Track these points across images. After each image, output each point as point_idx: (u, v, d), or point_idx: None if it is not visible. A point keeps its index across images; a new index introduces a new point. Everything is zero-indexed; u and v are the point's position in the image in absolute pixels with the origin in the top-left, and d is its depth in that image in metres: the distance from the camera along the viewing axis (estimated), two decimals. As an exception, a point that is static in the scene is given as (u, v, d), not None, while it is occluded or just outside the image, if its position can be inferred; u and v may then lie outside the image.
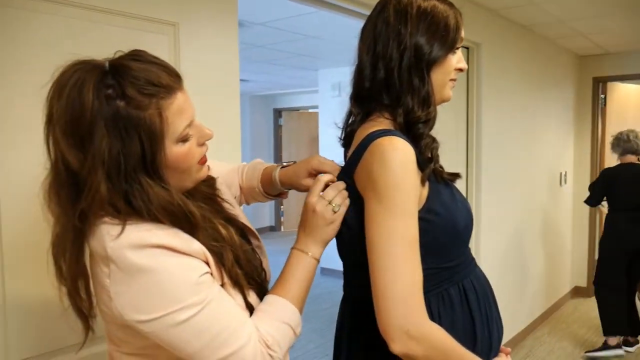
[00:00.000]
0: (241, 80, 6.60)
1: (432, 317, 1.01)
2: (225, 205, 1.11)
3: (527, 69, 4.13)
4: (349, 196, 1.05)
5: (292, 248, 1.06)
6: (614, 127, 5.10)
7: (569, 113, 5.08)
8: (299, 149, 8.55)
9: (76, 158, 0.83)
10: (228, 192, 1.18)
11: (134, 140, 0.82)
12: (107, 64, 0.85)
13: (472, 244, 3.73)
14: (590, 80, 5.19)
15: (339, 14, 2.50)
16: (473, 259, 1.16)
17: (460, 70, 1.11)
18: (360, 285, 1.04)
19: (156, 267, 0.83)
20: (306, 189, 1.14)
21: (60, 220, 0.88)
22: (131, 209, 0.85)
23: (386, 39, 1.04)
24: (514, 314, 4.02)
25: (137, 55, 0.87)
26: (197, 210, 0.91)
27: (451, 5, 1.09)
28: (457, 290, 1.07)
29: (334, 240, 1.13)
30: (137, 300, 0.84)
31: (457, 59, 1.10)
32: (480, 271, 1.16)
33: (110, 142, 0.81)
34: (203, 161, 0.97)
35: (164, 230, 0.86)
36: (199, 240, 0.90)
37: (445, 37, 1.05)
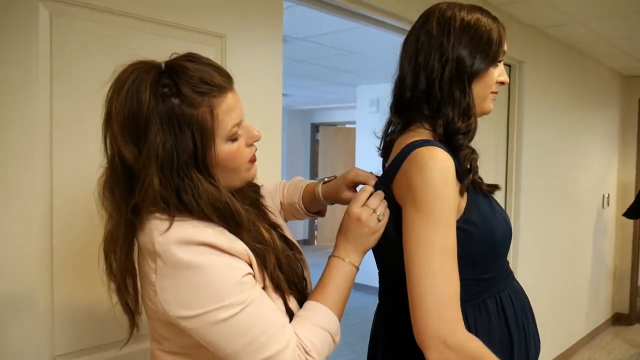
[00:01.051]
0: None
1: (469, 327, 1.01)
2: (269, 213, 1.14)
3: (571, 88, 4.06)
4: (388, 205, 1.06)
5: (331, 256, 1.06)
6: (659, 149, 4.96)
7: (614, 134, 4.96)
8: (334, 164, 8.58)
9: (131, 153, 0.86)
10: (271, 202, 1.21)
11: (187, 137, 0.86)
12: (163, 65, 0.90)
13: (510, 261, 3.66)
14: (636, 101, 5.06)
15: (380, 30, 2.53)
16: (511, 272, 1.15)
17: (502, 83, 1.11)
18: (397, 295, 1.05)
19: (201, 264, 0.85)
20: (348, 202, 1.15)
21: (113, 216, 0.92)
22: (181, 204, 0.88)
23: (428, 50, 1.06)
24: (552, 335, 3.91)
25: (191, 57, 0.91)
26: (243, 211, 0.94)
27: (495, 19, 1.10)
28: (494, 302, 1.07)
29: (369, 254, 1.14)
30: (181, 296, 0.86)
31: (498, 72, 1.10)
32: (519, 285, 1.15)
33: (165, 137, 0.85)
34: (252, 160, 1.00)
35: (212, 228, 0.89)
36: (243, 240, 0.92)
37: (488, 50, 1.06)
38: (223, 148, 0.91)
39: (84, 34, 1.38)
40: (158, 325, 0.96)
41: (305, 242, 8.99)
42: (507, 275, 1.13)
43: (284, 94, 6.44)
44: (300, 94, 6.81)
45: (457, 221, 1.00)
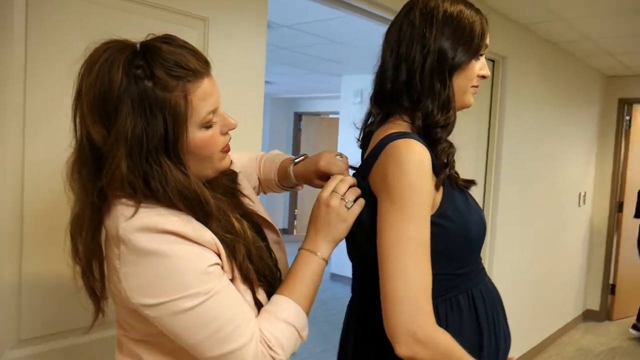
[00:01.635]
0: (265, 81, 6.63)
1: (440, 322, 1.00)
2: (246, 200, 1.12)
3: (552, 86, 4.09)
4: (364, 197, 1.05)
5: (301, 248, 1.04)
6: (637, 149, 5.04)
7: (593, 133, 5.03)
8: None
9: (100, 134, 0.84)
10: (249, 186, 1.19)
11: (158, 121, 0.83)
12: (138, 45, 0.87)
13: (486, 256, 3.69)
14: (615, 101, 5.13)
15: (366, 19, 2.51)
16: (483, 268, 1.15)
17: (483, 77, 1.11)
18: (369, 288, 1.04)
19: (165, 252, 0.84)
20: (319, 186, 1.15)
21: (79, 198, 0.90)
22: (148, 190, 0.86)
23: (410, 41, 1.05)
24: (523, 331, 3.97)
25: (168, 39, 0.89)
26: (212, 200, 0.91)
27: (478, 11, 1.09)
28: (465, 297, 1.07)
29: (344, 244, 1.13)
30: (144, 283, 0.84)
31: (480, 66, 1.10)
32: (490, 281, 1.16)
33: (135, 120, 0.82)
34: (226, 150, 0.97)
35: (178, 216, 0.87)
36: (212, 230, 0.90)
37: (470, 42, 1.05)
38: (196, 135, 0.89)
39: (61, 13, 1.34)
40: (123, 312, 0.94)
41: (284, 232, 8.98)
42: (480, 271, 1.13)
43: (267, 82, 6.42)
44: (285, 82, 6.77)
45: (432, 216, 1.00)
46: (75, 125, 0.88)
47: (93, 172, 0.87)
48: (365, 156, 1.11)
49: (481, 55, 1.10)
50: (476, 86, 1.11)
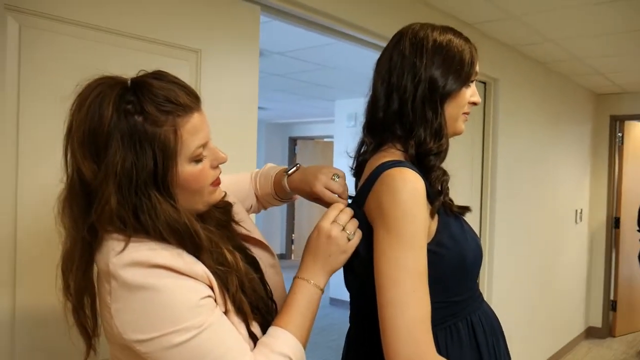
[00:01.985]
0: (259, 108, 6.66)
1: (440, 351, 1.00)
2: (239, 228, 1.11)
3: (544, 106, 4.13)
4: (360, 227, 1.05)
5: (296, 277, 1.02)
6: (630, 165, 5.08)
7: (586, 151, 5.06)
8: (313, 177, 8.55)
9: (90, 169, 0.84)
10: (245, 214, 1.18)
11: (148, 155, 0.84)
12: (129, 81, 0.88)
13: (484, 280, 3.66)
14: (607, 118, 5.18)
15: (357, 46, 2.54)
16: (480, 294, 1.15)
17: (474, 103, 1.12)
18: (368, 318, 1.03)
19: (156, 286, 0.83)
20: (314, 201, 1.15)
21: (70, 233, 0.90)
22: (138, 224, 0.85)
23: (401, 70, 1.06)
24: (526, 352, 3.93)
25: (158, 75, 0.90)
26: (203, 232, 0.91)
27: (467, 40, 1.10)
28: (465, 325, 1.06)
29: (342, 270, 1.12)
30: (135, 319, 0.83)
31: (470, 93, 1.11)
32: (488, 306, 1.15)
33: (125, 154, 0.83)
34: (216, 184, 0.97)
35: (169, 250, 0.86)
36: (203, 262, 0.90)
37: (460, 71, 1.06)
38: (186, 169, 0.89)
39: (55, 46, 1.36)
40: (116, 350, 0.93)
41: (282, 257, 8.93)
42: (477, 297, 1.12)
43: (261, 108, 6.47)
44: (279, 108, 6.82)
45: (428, 244, 0.99)
46: (66, 161, 0.88)
47: (83, 208, 0.87)
48: (359, 185, 1.11)
49: (471, 82, 1.11)
50: (467, 113, 1.12)
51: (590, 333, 5.21)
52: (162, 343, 0.83)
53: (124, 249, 0.84)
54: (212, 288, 0.89)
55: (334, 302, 6.20)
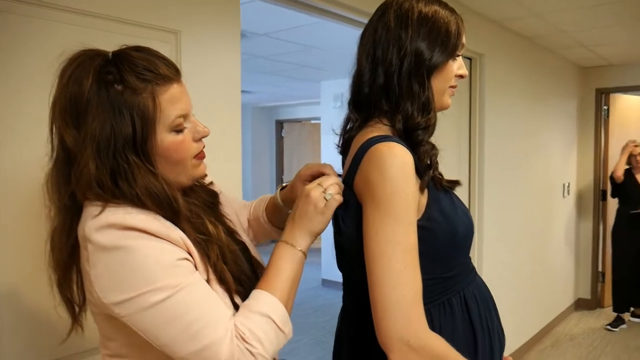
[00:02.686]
0: (244, 91, 6.62)
1: (433, 327, 0.99)
2: (225, 218, 1.11)
3: (530, 80, 4.13)
4: (349, 204, 1.03)
5: (278, 241, 1.02)
6: (616, 138, 5.11)
7: (572, 124, 5.08)
8: (300, 160, 8.55)
9: (71, 136, 0.86)
10: (232, 212, 1.18)
11: (127, 121, 0.86)
12: (110, 54, 0.91)
13: (474, 255, 3.69)
14: (593, 91, 5.19)
15: (341, 24, 2.51)
16: (474, 267, 1.14)
17: (461, 76, 1.10)
18: (360, 296, 1.02)
19: (131, 246, 0.83)
20: None
21: (55, 205, 0.91)
22: (117, 189, 0.86)
23: (386, 44, 1.03)
24: (517, 325, 3.98)
25: (139, 48, 0.92)
26: (183, 202, 0.92)
27: (453, 11, 1.08)
28: (458, 299, 1.05)
29: (334, 251, 1.12)
30: (112, 280, 0.84)
31: (457, 66, 1.09)
32: (481, 280, 1.14)
33: (103, 120, 0.85)
34: (200, 157, 0.98)
35: (145, 214, 0.87)
36: (183, 230, 0.90)
37: (447, 42, 1.04)
38: (166, 137, 0.91)
39: (29, 30, 1.32)
40: (102, 324, 0.93)
41: (273, 241, 8.91)
42: (470, 271, 1.11)
43: (248, 91, 6.41)
44: (264, 91, 6.76)
45: (419, 219, 0.98)
46: (51, 132, 0.90)
47: (66, 176, 0.89)
48: (346, 162, 1.09)
49: (458, 55, 1.08)
50: (454, 86, 1.10)
51: (580, 304, 5.29)
52: (138, 303, 0.83)
53: (100, 213, 0.85)
54: (191, 255, 0.89)
55: (326, 282, 6.22)
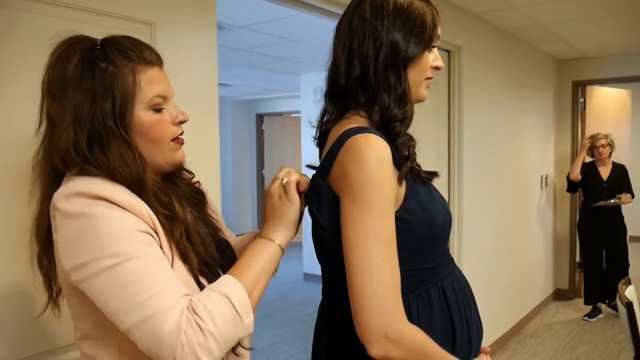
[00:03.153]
0: (223, 84, 6.56)
1: (411, 318, 0.99)
2: (211, 217, 1.13)
3: (508, 73, 4.16)
4: (323, 196, 1.02)
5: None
6: (593, 129, 5.17)
7: (549, 116, 5.13)
8: (281, 154, 8.53)
9: (55, 107, 0.90)
10: (217, 210, 1.19)
11: (107, 94, 0.90)
12: (99, 40, 0.96)
13: (454, 247, 3.70)
14: (569, 83, 5.26)
15: (321, 17, 2.49)
16: (452, 259, 1.14)
17: (437, 68, 1.09)
18: (339, 289, 1.01)
19: (93, 214, 0.84)
20: None
21: (40, 178, 0.95)
22: (91, 155, 0.89)
23: (362, 35, 1.02)
24: (497, 316, 4.02)
25: (127, 36, 0.98)
26: (151, 176, 0.94)
27: (428, 2, 1.07)
28: (436, 290, 1.05)
29: (313, 245, 1.10)
30: (71, 245, 0.85)
31: (433, 57, 1.08)
32: (460, 272, 1.15)
33: (86, 92, 0.89)
34: (179, 142, 1.01)
35: (113, 185, 0.88)
36: (148, 203, 0.91)
37: (422, 34, 1.03)
38: (144, 114, 0.94)
39: (5, 21, 1.31)
40: (71, 300, 0.93)
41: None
42: (448, 262, 1.11)
43: (226, 84, 6.35)
44: (244, 84, 6.71)
45: (397, 211, 0.98)
46: (41, 110, 0.94)
47: (50, 147, 0.92)
48: (323, 155, 1.08)
49: (434, 46, 1.08)
50: (430, 78, 1.09)
51: (558, 295, 5.37)
52: (91, 268, 0.83)
53: (67, 181, 0.89)
54: (155, 231, 0.90)
55: (307, 277, 6.23)
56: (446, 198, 3.41)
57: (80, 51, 0.91)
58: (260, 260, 0.97)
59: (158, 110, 0.96)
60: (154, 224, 0.90)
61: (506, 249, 4.24)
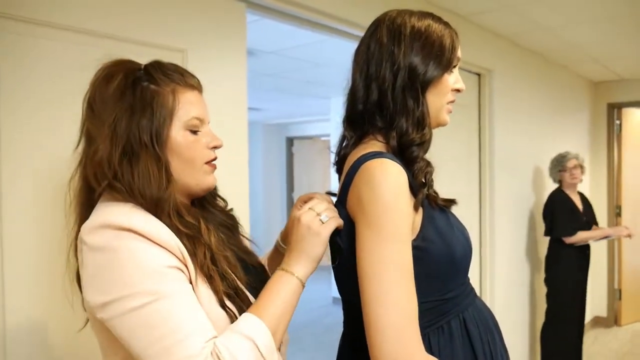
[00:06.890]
0: (254, 109, 6.65)
1: (431, 351, 0.96)
2: (244, 242, 1.13)
3: (541, 96, 4.09)
4: (344, 224, 1.00)
5: (277, 269, 0.99)
6: (630, 153, 5.04)
7: (584, 140, 5.01)
8: (310, 177, 8.54)
9: (93, 123, 0.92)
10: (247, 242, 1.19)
11: (146, 110, 0.91)
12: (142, 65, 0.98)
13: (486, 275, 3.57)
14: (605, 106, 5.13)
15: (349, 41, 2.51)
16: (472, 289, 1.11)
17: (458, 90, 1.07)
18: (358, 320, 0.97)
19: (118, 248, 0.83)
20: None
21: (75, 198, 0.96)
22: (119, 169, 0.89)
23: (379, 59, 1.02)
24: (531, 344, 3.89)
25: (170, 62, 1.01)
26: (175, 197, 0.93)
27: (446, 24, 1.06)
28: (457, 322, 1.02)
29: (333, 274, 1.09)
30: (97, 281, 0.84)
31: (454, 80, 1.06)
32: (482, 302, 1.11)
33: (124, 107, 0.91)
34: (212, 166, 1.01)
35: (143, 215, 0.87)
36: (170, 224, 0.89)
37: (441, 56, 1.02)
38: (180, 134, 0.95)
39: (36, 50, 1.34)
40: (100, 335, 0.92)
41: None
42: (469, 293, 1.08)
43: (257, 109, 6.43)
44: (274, 109, 6.77)
45: (414, 240, 0.95)
46: (81, 131, 0.96)
47: (85, 164, 0.93)
48: (341, 181, 1.07)
49: (454, 68, 1.06)
50: (452, 101, 1.08)
51: (597, 322, 5.17)
52: (116, 309, 0.82)
53: (97, 211, 0.89)
54: (185, 265, 0.88)
55: (336, 301, 6.16)
56: (477, 226, 3.34)
57: (124, 70, 0.94)
58: (282, 296, 0.93)
59: (194, 131, 0.97)
60: (183, 256, 0.88)
61: (541, 277, 4.11)
